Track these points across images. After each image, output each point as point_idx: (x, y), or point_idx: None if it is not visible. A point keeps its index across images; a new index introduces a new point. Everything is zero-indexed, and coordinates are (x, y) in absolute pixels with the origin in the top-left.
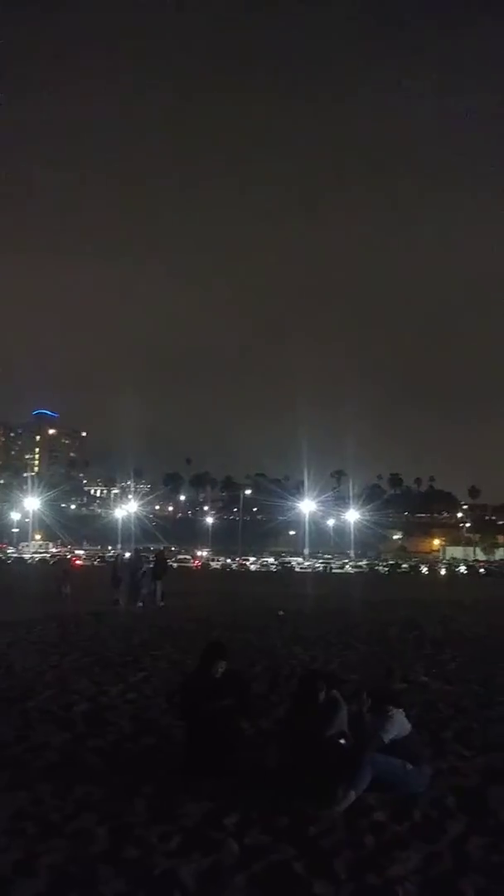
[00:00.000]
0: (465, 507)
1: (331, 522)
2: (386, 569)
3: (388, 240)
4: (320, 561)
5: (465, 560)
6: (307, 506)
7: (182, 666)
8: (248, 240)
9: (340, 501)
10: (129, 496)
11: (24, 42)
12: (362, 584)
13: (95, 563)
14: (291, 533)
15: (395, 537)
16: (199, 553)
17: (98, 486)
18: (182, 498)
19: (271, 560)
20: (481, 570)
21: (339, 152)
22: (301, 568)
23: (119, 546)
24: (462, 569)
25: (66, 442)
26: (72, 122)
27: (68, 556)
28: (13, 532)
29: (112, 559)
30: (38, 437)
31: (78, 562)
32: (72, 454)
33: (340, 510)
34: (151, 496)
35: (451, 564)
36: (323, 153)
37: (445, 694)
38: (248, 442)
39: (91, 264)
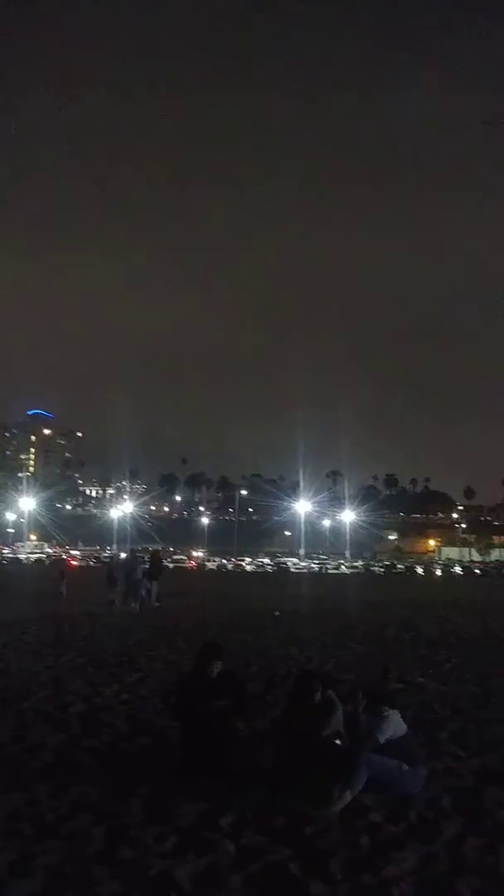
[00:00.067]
0: (460, 507)
1: (326, 523)
2: (381, 569)
3: (386, 241)
4: (316, 561)
5: (461, 561)
6: (303, 506)
7: (178, 666)
8: (246, 240)
9: (336, 502)
10: (125, 496)
11: (24, 42)
12: (358, 585)
13: (91, 563)
14: (287, 533)
15: (390, 538)
16: (194, 553)
17: (94, 486)
18: (178, 498)
19: (267, 560)
20: (477, 571)
21: (339, 153)
22: (297, 568)
23: (115, 546)
24: (457, 569)
25: (62, 442)
26: (70, 122)
27: (64, 557)
28: (8, 532)
29: (107, 559)
30: (33, 437)
31: (73, 562)
32: (67, 454)
33: (336, 511)
34: (147, 496)
35: (447, 565)
36: (323, 154)
37: (441, 695)
38: (244, 442)
39: (88, 264)
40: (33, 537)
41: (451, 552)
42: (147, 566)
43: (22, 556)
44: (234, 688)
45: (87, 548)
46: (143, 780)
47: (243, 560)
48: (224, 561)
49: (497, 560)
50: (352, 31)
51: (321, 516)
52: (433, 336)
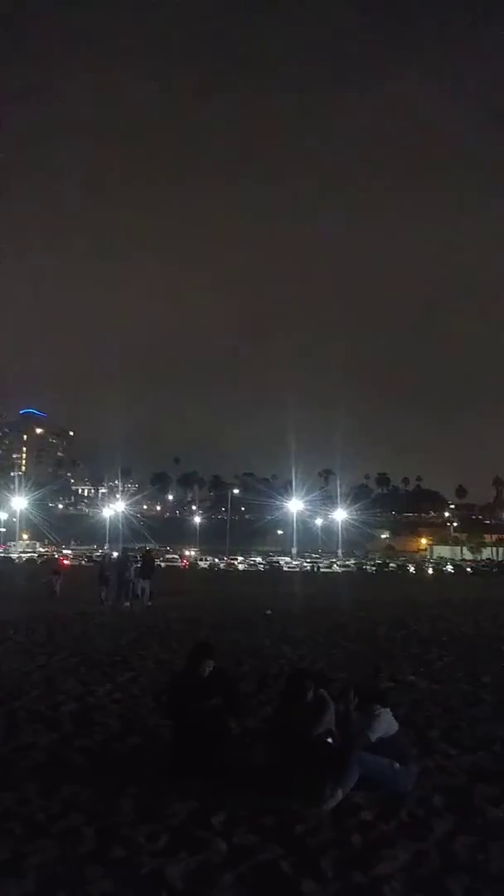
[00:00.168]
0: (452, 506)
1: (318, 522)
2: (373, 568)
3: (377, 242)
4: (308, 560)
5: (453, 559)
6: (295, 505)
7: (170, 665)
8: (238, 240)
9: (328, 501)
10: (117, 496)
11: (24, 41)
12: (350, 584)
13: (83, 562)
14: (279, 532)
15: (382, 536)
16: (187, 552)
17: (86, 485)
18: (170, 497)
19: (259, 559)
20: (468, 570)
21: (331, 154)
22: (289, 567)
23: (107, 546)
24: (449, 568)
25: (54, 441)
26: (69, 122)
27: (56, 556)
28: (0, 531)
29: (99, 559)
30: (25, 437)
31: (66, 561)
32: (59, 453)
33: (328, 509)
34: (139, 495)
35: (439, 564)
36: (315, 155)
37: (433, 693)
38: (236, 441)
39: (79, 264)
40: (25, 536)
41: (443, 551)
42: (139, 565)
43: (14, 556)
44: (226, 687)
45: (81, 547)
46: (135, 779)
47: (236, 559)
48: (216, 560)
49: (488, 558)
50: (352, 31)
51: (313, 515)
52: (426, 336)
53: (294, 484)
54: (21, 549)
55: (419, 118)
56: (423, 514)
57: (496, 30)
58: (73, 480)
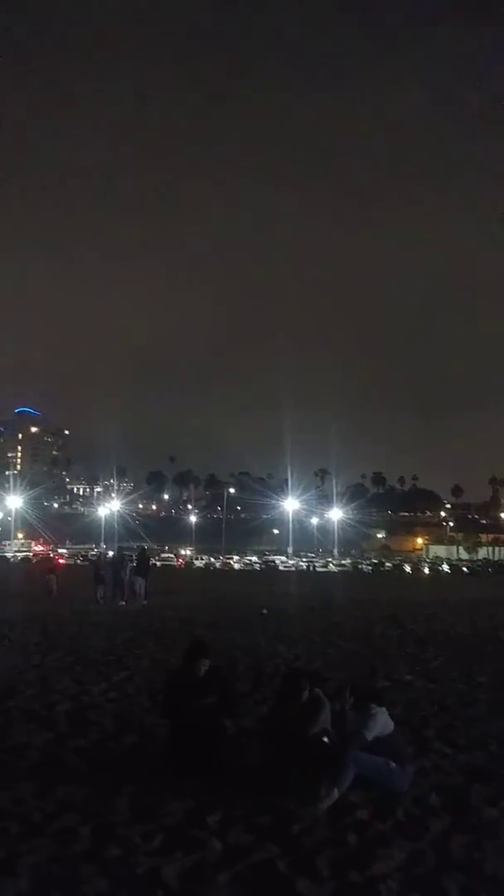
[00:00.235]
0: (448, 505)
1: (314, 521)
2: (369, 567)
3: (372, 241)
4: (304, 559)
5: (449, 559)
6: (291, 504)
7: (165, 664)
8: (234, 240)
9: (324, 500)
10: (113, 494)
11: (23, 41)
12: (346, 583)
13: (78, 561)
14: (275, 531)
15: (378, 536)
16: (182, 552)
17: (81, 484)
18: (165, 496)
19: (255, 559)
20: (464, 569)
21: (324, 155)
22: (285, 566)
23: (102, 545)
24: (445, 567)
25: (49, 440)
26: (68, 121)
27: (51, 555)
28: None
29: (94, 558)
30: (20, 436)
31: (61, 560)
32: (54, 452)
33: (324, 509)
34: (135, 494)
35: (435, 563)
36: (309, 156)
37: (428, 692)
38: (232, 440)
39: (74, 263)
40: (20, 536)
41: (439, 550)
42: (135, 564)
43: (9, 555)
44: (222, 686)
45: (77, 546)
46: (131, 778)
47: (231, 558)
48: (212, 559)
49: (485, 558)
50: (352, 31)
51: (309, 514)
52: (421, 335)
53: (290, 483)
54: (16, 549)
55: (418, 119)
56: (419, 514)
57: (495, 32)
58: (68, 479)
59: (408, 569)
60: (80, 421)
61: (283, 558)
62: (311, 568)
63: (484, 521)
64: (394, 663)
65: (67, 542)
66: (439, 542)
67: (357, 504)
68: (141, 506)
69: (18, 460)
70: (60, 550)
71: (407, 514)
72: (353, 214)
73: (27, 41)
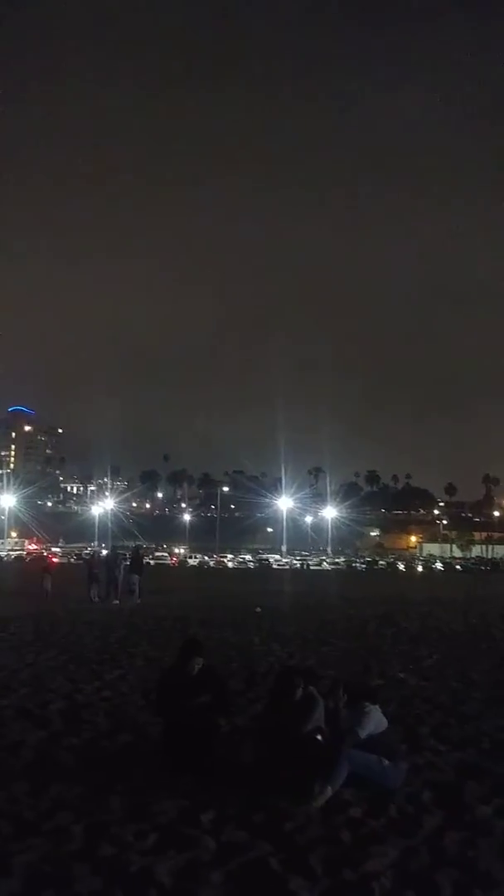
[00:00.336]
0: (441, 504)
1: (308, 519)
2: (363, 566)
3: (367, 241)
4: (298, 558)
5: (442, 557)
6: (285, 503)
7: (159, 663)
8: (227, 238)
9: (318, 498)
10: (106, 493)
11: (23, 41)
12: (339, 581)
13: (72, 560)
14: (269, 530)
15: (372, 534)
16: (176, 550)
17: (75, 483)
18: (159, 495)
19: (249, 557)
20: (458, 567)
21: (320, 152)
22: (278, 565)
23: (96, 544)
24: (438, 565)
25: (43, 439)
26: (65, 121)
27: (45, 554)
28: None
29: (88, 556)
30: (13, 434)
31: (54, 559)
32: (48, 451)
33: (318, 507)
34: (128, 493)
35: (428, 561)
36: (304, 153)
37: (422, 690)
38: (226, 439)
39: (68, 262)
40: (14, 534)
41: (433, 548)
42: (128, 563)
43: (2, 553)
44: (215, 684)
45: (70, 545)
46: (124, 777)
47: (225, 557)
48: (206, 557)
49: (478, 556)
50: (352, 31)
51: (303, 513)
52: (415, 334)
53: (284, 482)
54: (9, 548)
55: (418, 118)
56: (412, 512)
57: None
58: (61, 478)
59: (401, 567)
60: (74, 419)
61: (277, 557)
62: (305, 566)
63: (477, 520)
64: (387, 661)
65: (61, 540)
66: (433, 540)
67: (351, 502)
68: (135, 504)
69: (12, 459)
70: (54, 549)
71: (401, 512)
72: (350, 214)
73: (26, 38)
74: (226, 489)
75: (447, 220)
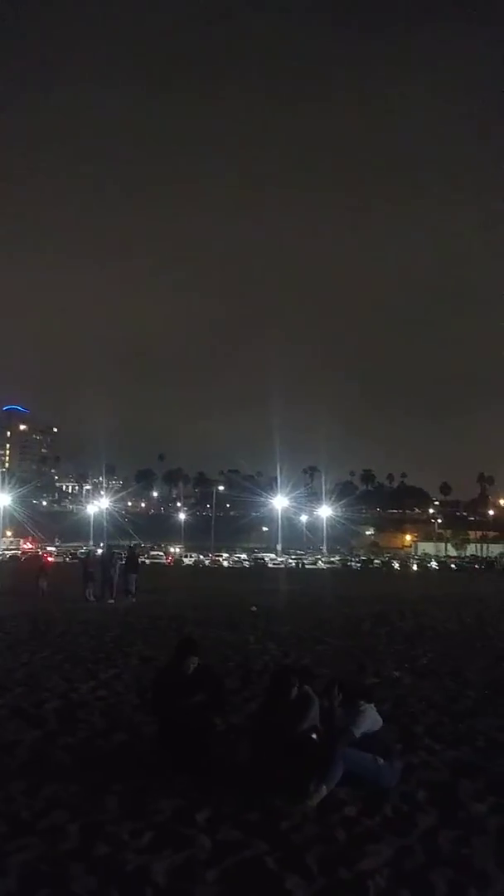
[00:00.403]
0: (436, 503)
1: (304, 518)
2: (358, 564)
3: (362, 240)
4: (293, 557)
5: (437, 556)
6: (280, 502)
7: (154, 662)
8: (224, 239)
9: (313, 497)
10: (102, 492)
11: (22, 41)
12: (335, 580)
13: (67, 559)
14: (264, 529)
15: (367, 533)
16: (171, 549)
17: (70, 482)
18: (155, 494)
19: (244, 556)
20: (452, 566)
21: (313, 152)
22: (274, 564)
23: (91, 543)
24: (433, 564)
25: (38, 438)
26: (64, 121)
27: (41, 553)
28: None
29: (83, 555)
30: (8, 433)
31: (50, 558)
32: (43, 450)
33: (313, 506)
34: (124, 492)
35: (423, 560)
36: (298, 153)
37: (417, 688)
38: (221, 438)
39: (63, 262)
40: (9, 533)
41: (428, 547)
42: (124, 562)
43: None
44: (211, 683)
45: (66, 544)
46: (119, 776)
47: (220, 556)
48: (201, 557)
49: (472, 555)
50: (351, 31)
51: (298, 512)
52: (411, 335)
53: (279, 481)
54: (4, 547)
55: (418, 118)
56: (407, 511)
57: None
58: (57, 477)
59: (396, 566)
60: (69, 419)
61: (273, 556)
62: (301, 565)
63: (472, 518)
64: (382, 660)
65: (56, 540)
66: (428, 538)
67: (346, 501)
68: (130, 503)
69: (7, 458)
70: (49, 548)
71: (396, 511)
72: (350, 214)
73: (26, 37)
74: (221, 488)
75: (446, 220)
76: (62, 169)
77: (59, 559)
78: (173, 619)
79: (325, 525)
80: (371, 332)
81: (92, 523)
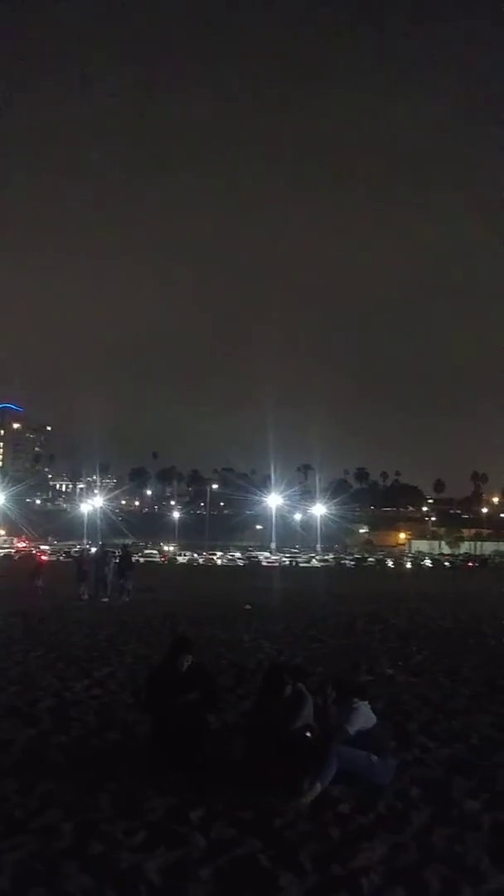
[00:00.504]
0: (430, 501)
1: (298, 517)
2: (352, 562)
3: (355, 240)
4: (287, 555)
5: (431, 553)
6: (274, 500)
7: (148, 660)
8: (216, 237)
9: (307, 496)
10: (95, 491)
11: (22, 41)
12: (328, 578)
13: (61, 558)
14: (258, 527)
15: (361, 531)
16: (165, 548)
17: (64, 480)
18: (148, 492)
19: (238, 554)
20: (446, 564)
21: (310, 153)
22: (268, 562)
23: (85, 541)
24: (427, 562)
25: (31, 436)
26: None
27: (34, 552)
28: None
29: (77, 554)
30: (2, 432)
31: (44, 557)
32: (37, 449)
33: (307, 504)
34: (117, 491)
35: (417, 558)
36: (294, 154)
37: (411, 686)
38: (215, 437)
39: (57, 260)
40: (2, 532)
41: (422, 545)
42: (118, 561)
43: None
44: (205, 681)
45: (60, 542)
46: (113, 774)
47: (214, 554)
48: (195, 555)
49: (466, 553)
50: (351, 31)
51: (292, 510)
52: (405, 333)
53: (273, 479)
54: None
55: (417, 118)
56: (401, 509)
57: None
58: (50, 476)
59: (390, 563)
60: (63, 417)
61: (267, 554)
62: (295, 563)
63: (466, 516)
64: (376, 658)
65: (50, 538)
66: (422, 536)
67: (340, 499)
68: (124, 502)
69: (0, 456)
70: (43, 547)
71: (389, 509)
72: (347, 214)
73: (26, 37)
74: (215, 487)
75: (442, 220)
76: (62, 169)
77: (53, 558)
78: (167, 618)
79: (319, 523)
80: (366, 331)
81: (86, 522)
